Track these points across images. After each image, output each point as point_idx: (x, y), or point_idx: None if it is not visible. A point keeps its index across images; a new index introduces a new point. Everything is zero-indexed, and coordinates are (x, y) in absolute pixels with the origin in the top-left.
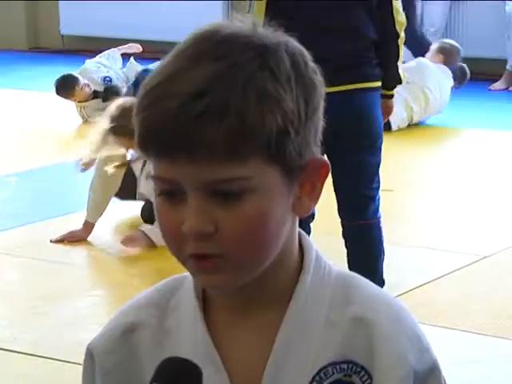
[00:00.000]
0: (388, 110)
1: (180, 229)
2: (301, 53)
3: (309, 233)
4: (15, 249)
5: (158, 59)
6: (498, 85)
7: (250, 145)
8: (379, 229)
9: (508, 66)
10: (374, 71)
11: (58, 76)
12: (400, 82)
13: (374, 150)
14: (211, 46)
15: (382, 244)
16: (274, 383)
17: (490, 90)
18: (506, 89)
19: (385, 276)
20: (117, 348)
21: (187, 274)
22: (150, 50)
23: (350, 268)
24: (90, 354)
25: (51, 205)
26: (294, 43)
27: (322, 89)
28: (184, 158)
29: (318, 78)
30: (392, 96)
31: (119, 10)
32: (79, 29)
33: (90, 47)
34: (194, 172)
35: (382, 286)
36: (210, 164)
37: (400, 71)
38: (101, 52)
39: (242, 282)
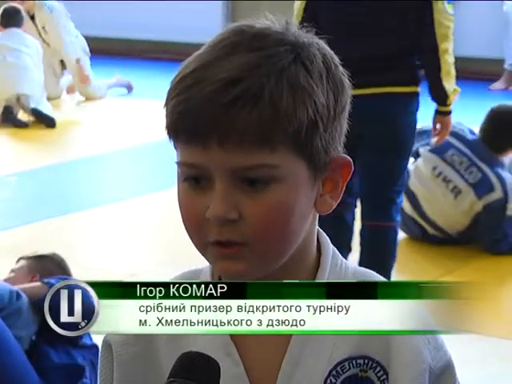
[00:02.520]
0: (443, 127)
1: (203, 215)
2: (331, 54)
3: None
4: (15, 249)
5: (159, 59)
6: (498, 85)
7: (281, 134)
8: (396, 233)
9: (506, 65)
10: (405, 76)
11: None
12: (446, 97)
13: (402, 154)
14: (246, 39)
15: (395, 248)
16: (291, 376)
17: (489, 89)
18: (506, 89)
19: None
20: (134, 340)
21: (203, 267)
22: (150, 49)
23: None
24: (107, 345)
25: (51, 205)
26: (325, 45)
27: (350, 91)
28: (215, 143)
29: (346, 80)
30: (447, 112)
31: (119, 10)
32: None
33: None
34: (223, 158)
35: None
36: (240, 150)
37: (447, 85)
38: (100, 52)
39: (261, 272)
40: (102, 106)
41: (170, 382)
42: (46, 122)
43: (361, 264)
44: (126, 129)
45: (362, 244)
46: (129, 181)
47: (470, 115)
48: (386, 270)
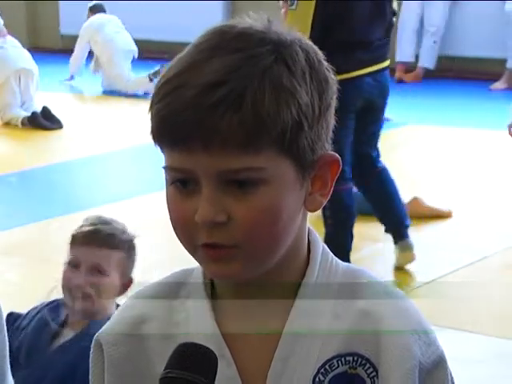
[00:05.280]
0: None
1: (192, 218)
2: (314, 50)
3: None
4: (15, 249)
5: (159, 59)
6: (498, 85)
7: (265, 136)
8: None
9: (508, 65)
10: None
11: (57, 75)
12: None
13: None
14: (228, 40)
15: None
16: (280, 375)
17: (490, 89)
18: (506, 88)
19: (381, 276)
20: (125, 340)
21: (196, 266)
22: (150, 49)
23: (375, 210)
24: (98, 345)
25: (51, 205)
26: (308, 41)
27: (335, 86)
28: (199, 146)
29: (332, 76)
30: None
31: (118, 10)
32: (79, 29)
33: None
34: (208, 161)
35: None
36: (225, 153)
37: None
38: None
39: (253, 273)
40: (102, 106)
41: (166, 373)
42: (55, 122)
43: (374, 207)
44: (126, 129)
45: (368, 191)
46: (129, 181)
47: (470, 115)
48: (396, 205)
